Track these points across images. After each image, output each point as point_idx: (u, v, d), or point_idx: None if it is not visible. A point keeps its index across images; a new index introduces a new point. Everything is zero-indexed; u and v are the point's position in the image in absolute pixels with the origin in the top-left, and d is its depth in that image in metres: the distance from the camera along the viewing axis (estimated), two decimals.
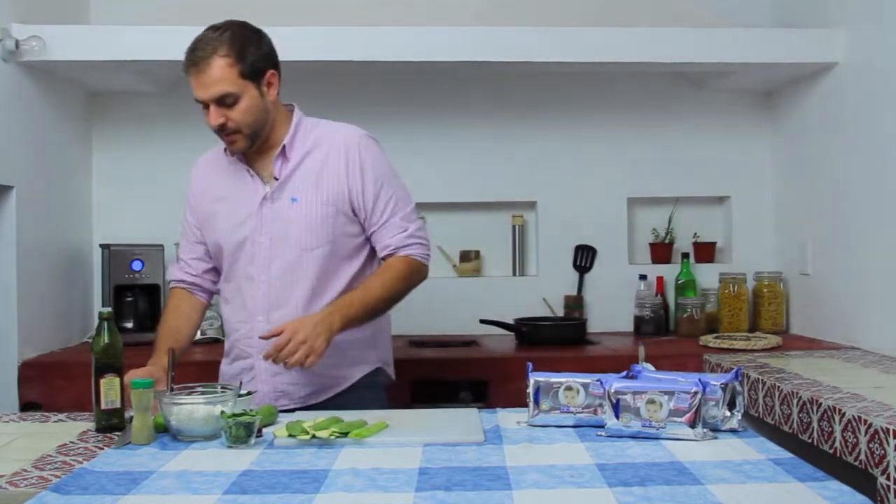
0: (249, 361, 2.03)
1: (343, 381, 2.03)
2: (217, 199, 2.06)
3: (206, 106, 1.93)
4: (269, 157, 2.02)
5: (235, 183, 2.04)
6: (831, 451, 1.88)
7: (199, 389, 1.71)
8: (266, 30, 2.81)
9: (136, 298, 3.06)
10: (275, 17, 2.93)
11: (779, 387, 2.18)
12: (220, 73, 1.89)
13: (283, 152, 2.00)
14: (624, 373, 1.74)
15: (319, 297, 1.98)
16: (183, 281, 2.15)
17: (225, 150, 2.05)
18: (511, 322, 3.12)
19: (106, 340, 1.71)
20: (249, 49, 1.93)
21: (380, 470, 1.40)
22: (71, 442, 1.64)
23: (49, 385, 2.64)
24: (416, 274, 2.04)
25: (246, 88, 1.92)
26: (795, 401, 2.08)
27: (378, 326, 2.10)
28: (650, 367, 1.82)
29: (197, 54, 1.90)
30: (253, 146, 1.99)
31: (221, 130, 1.94)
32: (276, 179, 2.00)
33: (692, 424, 1.57)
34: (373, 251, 2.08)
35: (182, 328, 2.10)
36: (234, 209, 2.03)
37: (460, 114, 3.39)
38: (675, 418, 1.57)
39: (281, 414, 1.80)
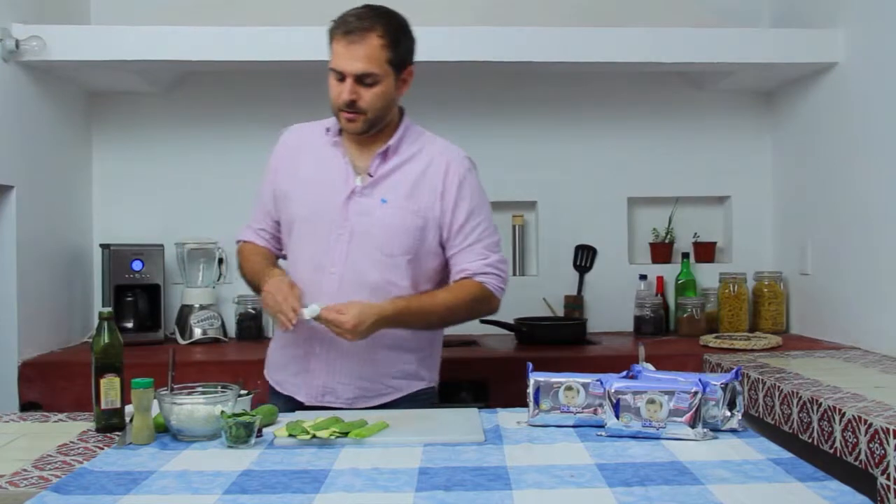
0: (306, 351, 1.98)
1: (393, 392, 2.00)
2: (303, 177, 2.01)
3: (340, 78, 1.90)
4: (369, 152, 1.99)
5: (326, 166, 1.99)
6: (831, 451, 1.88)
7: (199, 389, 1.71)
8: (262, 30, 2.85)
9: (136, 298, 3.06)
10: (275, 18, 2.95)
11: (779, 387, 2.18)
12: (373, 51, 1.87)
13: (386, 152, 1.98)
14: (624, 373, 1.74)
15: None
16: (254, 244, 2.12)
17: (327, 129, 2.02)
18: (511, 322, 3.12)
19: (106, 340, 1.71)
20: (403, 39, 1.93)
21: (380, 470, 1.40)
22: (71, 442, 1.64)
23: (49, 385, 2.64)
24: (483, 303, 2.00)
25: (387, 75, 1.90)
26: (795, 401, 2.08)
27: (433, 346, 2.09)
28: (650, 367, 1.82)
29: (355, 24, 1.87)
30: (367, 132, 1.95)
31: (349, 107, 1.90)
32: (370, 176, 1.97)
33: (692, 424, 1.57)
34: (448, 276, 2.04)
35: (270, 255, 2.09)
36: (318, 193, 1.98)
37: (460, 114, 3.38)
38: (675, 418, 1.57)
39: (285, 414, 1.80)
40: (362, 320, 1.82)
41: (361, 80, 1.88)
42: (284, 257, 2.12)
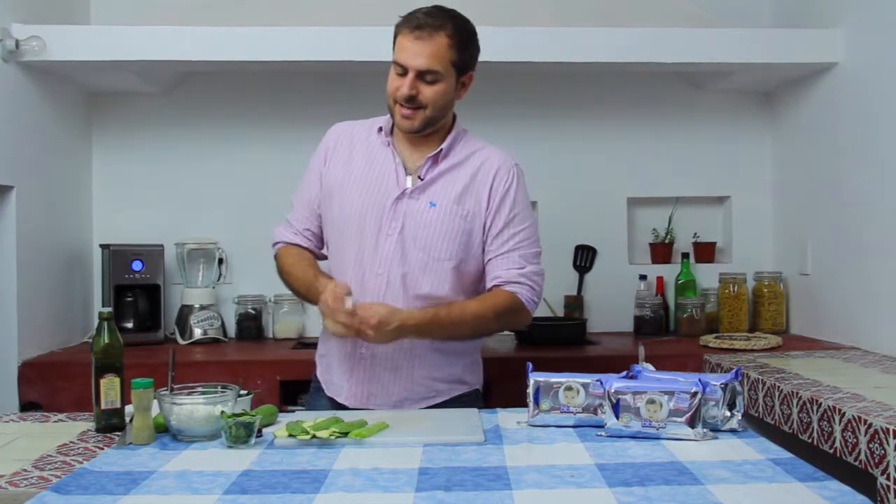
0: (349, 352, 1.97)
1: (438, 395, 1.99)
2: (352, 174, 1.99)
3: (402, 73, 1.90)
4: (420, 154, 1.98)
5: (377, 165, 1.98)
6: (831, 451, 1.88)
7: (199, 389, 1.71)
8: (262, 30, 2.85)
9: (136, 298, 3.06)
10: (275, 18, 2.94)
11: (779, 387, 2.18)
12: (440, 50, 1.87)
13: (437, 155, 1.97)
14: (624, 373, 1.74)
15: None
16: (296, 245, 2.06)
17: (380, 129, 2.01)
18: None
19: (106, 340, 1.71)
20: (469, 44, 1.94)
21: (380, 470, 1.40)
22: (71, 442, 1.64)
23: (49, 385, 2.64)
24: (515, 314, 1.97)
25: (449, 75, 1.91)
26: (795, 401, 2.08)
27: (476, 351, 2.09)
28: (650, 367, 1.82)
29: (427, 20, 1.88)
30: (422, 131, 1.95)
31: (409, 101, 1.90)
32: (420, 179, 1.96)
33: (692, 424, 1.57)
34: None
35: (314, 261, 2.04)
36: (368, 191, 1.96)
37: (460, 114, 3.37)
38: (675, 418, 1.57)
39: (284, 415, 1.80)
40: (388, 321, 1.79)
41: (423, 76, 1.89)
42: (325, 257, 2.09)
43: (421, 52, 1.87)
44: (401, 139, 2.00)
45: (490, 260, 1.98)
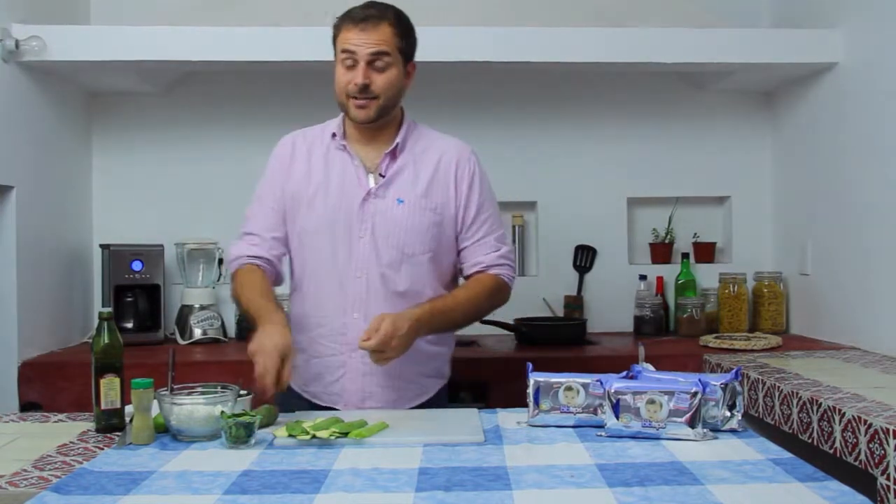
0: (337, 359, 1.97)
1: (425, 391, 2.03)
2: (314, 183, 1.99)
3: (351, 64, 1.91)
4: (376, 152, 2.00)
5: (337, 170, 1.99)
6: (831, 451, 1.88)
7: (199, 389, 1.71)
8: (262, 30, 2.85)
9: (136, 298, 3.06)
10: (275, 18, 2.94)
11: (779, 387, 2.18)
12: (387, 36, 1.92)
13: (395, 150, 1.99)
14: (624, 373, 1.74)
15: (413, 302, 1.93)
16: (259, 258, 2.00)
17: (333, 135, 2.02)
18: (511, 322, 3.12)
19: (106, 340, 1.71)
20: (410, 32, 1.99)
21: (380, 470, 1.40)
22: (71, 442, 1.64)
23: (49, 385, 2.64)
24: (500, 293, 2.05)
25: (398, 61, 1.95)
26: (795, 401, 2.08)
27: (452, 342, 2.12)
28: (650, 367, 1.82)
29: (369, 12, 1.93)
30: (376, 121, 1.96)
31: (361, 91, 1.91)
32: (382, 176, 1.98)
33: (692, 424, 1.57)
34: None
35: (271, 289, 1.97)
36: (333, 198, 1.97)
37: (460, 114, 3.38)
38: (675, 418, 1.57)
39: (285, 415, 1.80)
40: (399, 326, 1.78)
41: (375, 61, 1.91)
42: (280, 282, 2.07)
43: (369, 39, 1.91)
44: (354, 140, 2.02)
45: (467, 247, 2.03)
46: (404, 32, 1.96)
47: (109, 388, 1.70)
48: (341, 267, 1.95)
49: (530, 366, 1.75)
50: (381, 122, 1.97)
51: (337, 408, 1.97)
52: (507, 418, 1.78)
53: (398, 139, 1.99)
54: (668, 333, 3.29)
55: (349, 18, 1.93)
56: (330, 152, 2.02)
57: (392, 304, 1.92)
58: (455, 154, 2.03)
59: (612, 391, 1.62)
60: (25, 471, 1.44)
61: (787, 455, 1.48)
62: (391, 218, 1.95)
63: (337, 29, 1.96)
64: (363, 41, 1.90)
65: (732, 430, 1.65)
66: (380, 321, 1.78)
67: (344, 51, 1.92)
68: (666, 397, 1.58)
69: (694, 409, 1.57)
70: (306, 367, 2.02)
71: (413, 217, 1.96)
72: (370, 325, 1.78)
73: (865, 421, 1.75)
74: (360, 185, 1.97)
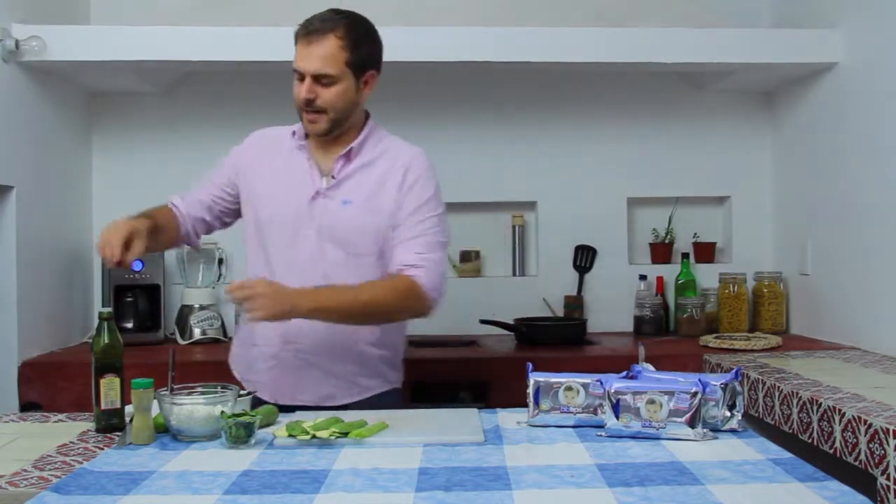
0: (271, 350, 2.01)
1: (364, 391, 2.04)
2: (270, 176, 2.04)
3: (301, 79, 1.93)
4: (333, 154, 2.02)
5: (293, 169, 2.03)
6: (831, 451, 1.88)
7: (199, 389, 1.71)
8: (262, 30, 2.84)
9: (136, 298, 3.06)
10: (275, 18, 2.94)
11: (779, 387, 2.18)
12: (330, 51, 1.91)
13: (349, 153, 2.00)
14: (624, 373, 1.74)
15: None
16: (178, 209, 2.10)
17: (293, 133, 2.05)
18: (511, 322, 3.12)
19: (106, 340, 1.71)
20: (364, 43, 1.96)
21: (380, 470, 1.41)
22: (71, 442, 1.64)
23: (49, 385, 2.64)
24: (413, 300, 1.93)
25: (345, 76, 1.93)
26: (795, 401, 2.08)
27: (398, 349, 2.12)
28: (650, 367, 1.82)
29: (315, 25, 1.92)
30: (330, 133, 1.98)
31: (308, 106, 1.93)
32: (333, 178, 2.00)
33: (692, 424, 1.57)
34: None
35: (168, 227, 2.04)
36: (285, 193, 2.01)
37: (460, 114, 3.39)
38: (675, 418, 1.57)
39: (285, 413, 1.80)
40: (275, 287, 1.80)
41: (319, 79, 1.92)
42: (185, 243, 2.14)
43: (312, 56, 1.91)
44: (314, 141, 2.04)
45: (394, 247, 1.99)
46: (355, 44, 1.93)
47: (109, 388, 1.70)
48: (286, 262, 1.99)
49: (530, 366, 1.75)
50: (336, 132, 1.99)
51: (264, 397, 2.00)
52: (507, 418, 1.78)
53: (353, 143, 2.01)
54: (668, 333, 3.29)
55: (301, 29, 1.94)
56: (292, 152, 2.05)
57: None
58: (407, 159, 2.02)
59: (612, 391, 1.62)
60: (25, 471, 1.44)
61: (787, 455, 1.48)
62: (337, 219, 1.97)
63: (294, 37, 1.96)
64: (307, 57, 1.91)
65: (732, 430, 1.65)
66: (256, 281, 1.81)
67: (294, 65, 1.94)
68: (666, 397, 1.58)
69: (694, 409, 1.57)
70: (247, 354, 2.08)
71: (358, 219, 1.97)
72: (244, 284, 1.80)
73: (865, 421, 1.75)
74: (311, 185, 2.00)
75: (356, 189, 1.99)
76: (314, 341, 1.97)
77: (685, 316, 3.22)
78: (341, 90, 1.93)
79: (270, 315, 1.78)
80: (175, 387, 1.69)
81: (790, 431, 2.10)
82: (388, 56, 2.85)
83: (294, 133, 2.05)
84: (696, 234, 3.47)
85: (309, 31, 1.92)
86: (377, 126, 2.08)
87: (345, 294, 1.89)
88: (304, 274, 1.95)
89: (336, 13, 1.95)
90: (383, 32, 3.08)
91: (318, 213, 1.98)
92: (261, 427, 1.66)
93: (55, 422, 1.83)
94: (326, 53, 1.90)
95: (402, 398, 2.15)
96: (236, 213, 2.14)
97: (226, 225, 2.19)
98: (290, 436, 1.58)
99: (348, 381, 2.01)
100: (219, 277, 3.22)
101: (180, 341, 3.08)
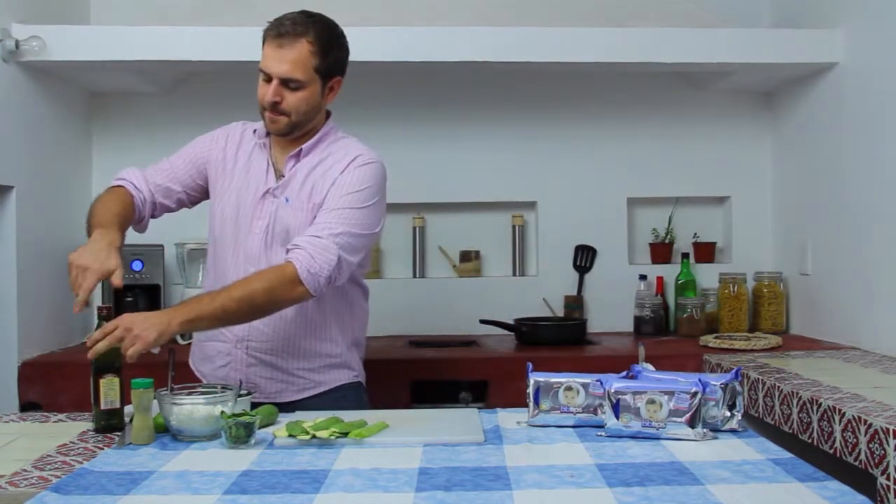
0: (225, 347, 2.03)
1: (319, 385, 2.04)
2: (233, 170, 2.06)
3: (267, 80, 1.93)
4: (286, 153, 2.03)
5: (252, 165, 2.05)
6: (831, 451, 1.88)
7: (199, 389, 1.71)
8: (262, 30, 2.84)
9: (136, 298, 3.06)
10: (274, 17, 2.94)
11: (779, 387, 2.18)
12: (301, 57, 1.90)
13: (299, 153, 2.02)
14: (624, 373, 1.74)
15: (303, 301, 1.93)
16: (137, 188, 2.06)
17: (254, 131, 2.07)
18: (511, 322, 3.12)
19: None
20: (333, 49, 1.96)
21: (380, 470, 1.41)
22: (71, 442, 1.64)
23: (49, 385, 2.64)
24: (283, 288, 1.83)
25: (313, 82, 1.94)
26: (795, 401, 2.08)
27: (358, 342, 2.12)
28: (650, 367, 1.82)
29: (287, 28, 1.91)
30: (290, 134, 2.00)
31: (272, 108, 1.94)
32: (283, 177, 2.02)
33: (692, 424, 1.57)
34: (360, 268, 2.06)
35: (128, 223, 2.01)
36: (241, 190, 2.03)
37: (460, 114, 3.39)
38: (675, 418, 1.57)
39: (285, 413, 1.80)
40: (135, 317, 1.72)
41: (286, 83, 1.92)
42: (142, 229, 2.15)
43: (283, 60, 1.90)
44: (275, 140, 2.06)
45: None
46: (324, 50, 1.93)
47: (109, 389, 1.70)
48: (240, 259, 2.00)
49: (530, 366, 1.76)
50: (295, 133, 2.00)
51: None
52: (507, 418, 1.78)
53: (305, 145, 2.01)
54: (668, 333, 3.29)
55: (271, 30, 1.93)
56: (254, 148, 2.07)
57: None
58: (350, 156, 1.99)
59: (612, 391, 1.62)
60: (25, 471, 1.44)
61: (787, 455, 1.48)
62: (279, 217, 1.99)
63: (263, 36, 1.95)
64: (276, 60, 1.91)
65: (732, 430, 1.65)
66: (115, 323, 1.71)
67: (261, 66, 1.94)
68: (666, 397, 1.58)
69: (694, 409, 1.57)
70: (201, 346, 2.09)
71: (296, 216, 1.97)
72: (106, 327, 1.71)
73: (865, 421, 1.75)
74: (264, 183, 2.02)
75: (298, 188, 1.99)
76: (265, 339, 1.98)
77: (685, 316, 3.22)
78: (307, 95, 1.94)
79: (149, 344, 1.69)
80: (175, 387, 1.69)
81: (790, 431, 2.10)
82: (387, 57, 2.87)
83: (255, 131, 2.07)
84: (696, 234, 3.47)
85: (280, 33, 1.91)
86: (336, 127, 2.09)
87: (219, 296, 1.81)
88: (250, 271, 1.95)
89: (308, 16, 1.94)
90: (382, 33, 3.09)
91: (265, 211, 2.00)
92: (261, 427, 1.66)
93: (55, 422, 1.83)
94: (296, 58, 1.90)
95: (365, 391, 2.13)
96: (199, 200, 2.16)
97: (182, 207, 2.17)
98: (290, 436, 1.58)
99: (297, 376, 2.02)
100: None
101: (180, 341, 3.06)
